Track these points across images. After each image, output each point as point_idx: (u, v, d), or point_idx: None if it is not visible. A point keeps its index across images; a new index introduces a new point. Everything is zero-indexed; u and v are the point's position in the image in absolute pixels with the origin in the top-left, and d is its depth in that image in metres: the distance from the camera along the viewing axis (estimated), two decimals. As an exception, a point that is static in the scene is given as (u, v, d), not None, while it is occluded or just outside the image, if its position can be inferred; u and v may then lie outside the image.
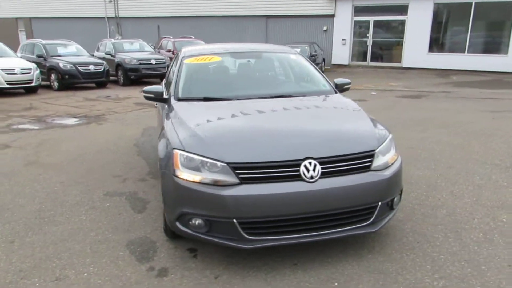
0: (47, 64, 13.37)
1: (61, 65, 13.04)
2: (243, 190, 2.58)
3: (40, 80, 12.47)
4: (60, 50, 14.19)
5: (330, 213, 2.71)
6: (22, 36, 28.42)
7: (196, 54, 4.30)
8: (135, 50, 15.88)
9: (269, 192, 2.57)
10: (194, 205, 2.66)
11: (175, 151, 2.79)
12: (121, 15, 24.76)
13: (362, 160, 2.80)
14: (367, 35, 19.57)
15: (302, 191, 2.60)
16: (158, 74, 14.77)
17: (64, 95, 12.07)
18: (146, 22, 23.99)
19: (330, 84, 4.09)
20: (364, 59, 19.90)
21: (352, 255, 2.96)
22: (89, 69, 13.36)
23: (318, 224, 2.72)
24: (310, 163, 2.65)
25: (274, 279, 2.67)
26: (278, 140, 2.84)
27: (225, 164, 2.62)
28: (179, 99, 3.65)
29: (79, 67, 13.16)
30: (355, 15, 19.43)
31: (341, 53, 19.85)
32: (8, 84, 11.58)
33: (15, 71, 11.69)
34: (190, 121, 3.11)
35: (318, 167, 2.66)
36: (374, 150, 2.86)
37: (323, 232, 2.73)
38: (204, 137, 2.85)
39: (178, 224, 2.77)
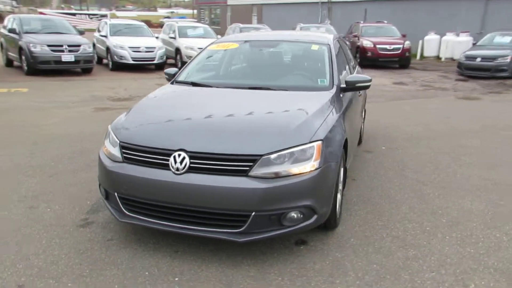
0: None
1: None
2: (122, 168, 2.83)
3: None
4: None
5: (198, 210, 2.67)
6: (254, 20, 32.61)
7: (222, 41, 4.50)
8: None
9: (139, 175, 2.75)
10: (100, 174, 3.08)
11: (109, 126, 3.24)
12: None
13: (238, 163, 2.61)
14: None
15: (166, 181, 2.66)
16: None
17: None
18: (354, 6, 23.82)
19: (332, 82, 3.65)
20: None
21: (235, 261, 2.80)
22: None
23: (186, 217, 2.72)
24: (179, 155, 2.66)
25: (139, 257, 2.83)
26: (171, 128, 2.93)
27: (118, 142, 2.92)
28: (177, 82, 4.00)
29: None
30: None
31: None
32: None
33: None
34: (141, 102, 3.48)
35: (187, 160, 2.64)
36: (260, 155, 2.60)
37: (190, 227, 2.72)
38: (127, 116, 3.20)
39: (99, 188, 3.24)
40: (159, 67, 13.63)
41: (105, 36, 13.63)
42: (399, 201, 3.84)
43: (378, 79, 13.03)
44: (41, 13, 42.46)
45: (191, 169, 2.64)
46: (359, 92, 4.45)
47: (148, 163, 2.76)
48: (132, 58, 12.92)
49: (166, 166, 2.69)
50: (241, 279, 2.60)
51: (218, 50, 4.36)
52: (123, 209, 2.89)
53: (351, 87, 3.69)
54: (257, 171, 2.59)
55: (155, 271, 2.68)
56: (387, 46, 15.30)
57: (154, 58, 13.27)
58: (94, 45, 14.83)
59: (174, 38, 14.66)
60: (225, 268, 2.71)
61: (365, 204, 3.76)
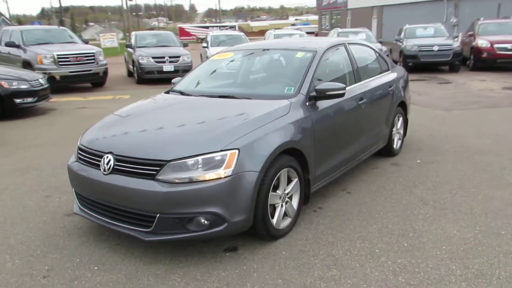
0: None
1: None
2: (74, 166, 3.26)
3: None
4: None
5: (117, 207, 2.93)
6: (374, 22, 31.33)
7: (224, 51, 4.66)
8: (428, 36, 15.00)
9: (81, 173, 3.14)
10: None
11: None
12: (460, -5, 22.85)
13: (147, 167, 2.79)
14: None
15: (96, 179, 2.99)
16: (439, 62, 13.64)
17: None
18: (486, 1, 21.10)
19: (300, 90, 3.54)
20: None
21: (155, 260, 2.97)
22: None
23: (111, 214, 3.01)
24: (107, 157, 2.96)
25: (85, 246, 3.20)
26: (111, 133, 3.26)
27: (79, 143, 3.37)
28: (171, 91, 4.30)
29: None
30: None
31: None
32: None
33: None
34: (119, 110, 3.89)
35: (112, 162, 2.92)
36: (166, 161, 2.74)
37: (113, 222, 2.99)
38: (96, 123, 3.63)
39: (73, 184, 3.73)
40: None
41: (206, 47, 14.84)
42: (376, 219, 3.50)
43: (487, 84, 11.46)
44: (180, 28, 47.88)
45: (115, 171, 2.92)
46: (362, 101, 4.14)
47: (88, 163, 3.14)
48: (225, 65, 13.79)
49: (98, 167, 3.02)
50: (145, 276, 2.77)
51: (217, 60, 4.56)
52: (78, 204, 3.32)
53: (322, 95, 3.51)
54: (166, 175, 2.74)
55: (85, 259, 3.01)
56: (508, 46, 13.28)
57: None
58: (201, 55, 16.31)
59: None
60: (141, 264, 2.91)
61: (334, 219, 3.53)
